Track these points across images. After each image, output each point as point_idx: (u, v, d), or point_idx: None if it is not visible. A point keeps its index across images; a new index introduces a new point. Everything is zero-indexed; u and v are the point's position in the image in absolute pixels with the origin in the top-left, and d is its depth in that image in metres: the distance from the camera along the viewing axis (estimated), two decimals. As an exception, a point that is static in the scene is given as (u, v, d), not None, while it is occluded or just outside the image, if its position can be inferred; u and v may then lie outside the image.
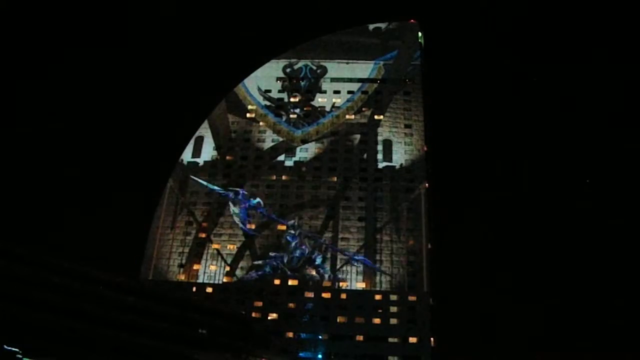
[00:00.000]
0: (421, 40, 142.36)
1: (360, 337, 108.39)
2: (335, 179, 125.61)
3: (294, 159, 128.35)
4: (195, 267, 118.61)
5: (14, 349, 53.15)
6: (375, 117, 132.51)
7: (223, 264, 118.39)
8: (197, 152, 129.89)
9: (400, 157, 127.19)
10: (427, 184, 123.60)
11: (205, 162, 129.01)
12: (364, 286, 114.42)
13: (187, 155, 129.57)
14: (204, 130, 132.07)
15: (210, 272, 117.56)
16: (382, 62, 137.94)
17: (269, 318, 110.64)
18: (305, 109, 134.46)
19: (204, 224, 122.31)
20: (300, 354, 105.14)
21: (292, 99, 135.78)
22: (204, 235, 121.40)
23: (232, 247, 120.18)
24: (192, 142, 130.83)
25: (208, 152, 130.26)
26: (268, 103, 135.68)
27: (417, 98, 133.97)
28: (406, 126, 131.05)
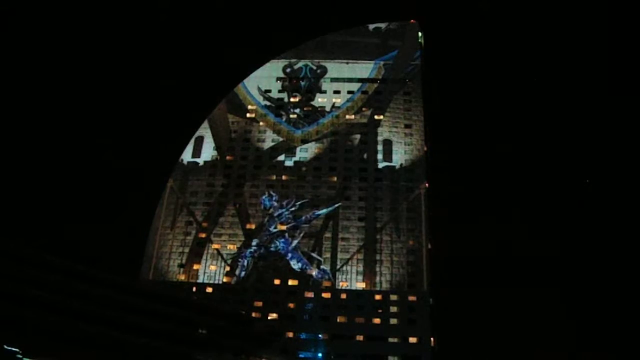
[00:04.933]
0: (421, 40, 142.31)
1: (360, 337, 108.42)
2: (335, 178, 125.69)
3: (294, 159, 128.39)
4: (195, 267, 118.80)
5: (14, 349, 53.15)
6: (375, 117, 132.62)
7: (223, 264, 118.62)
8: (197, 152, 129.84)
9: (400, 157, 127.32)
10: (427, 184, 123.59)
11: (205, 162, 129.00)
12: (364, 286, 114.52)
13: (187, 155, 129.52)
14: (204, 130, 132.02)
15: (210, 272, 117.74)
16: (382, 62, 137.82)
17: (269, 318, 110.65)
18: (305, 109, 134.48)
19: (204, 224, 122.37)
20: (300, 354, 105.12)
21: (292, 99, 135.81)
22: (203, 235, 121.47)
23: (232, 247, 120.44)
24: (192, 142, 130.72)
25: (208, 152, 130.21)
26: (268, 103, 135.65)
27: (417, 98, 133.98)
28: (406, 126, 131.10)
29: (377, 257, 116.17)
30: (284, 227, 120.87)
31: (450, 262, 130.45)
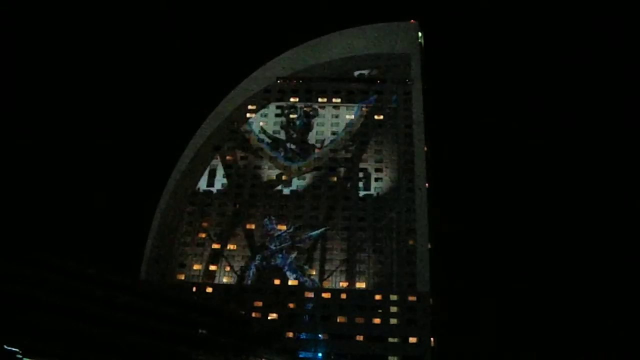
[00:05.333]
0: (421, 41, 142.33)
1: (360, 337, 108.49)
2: (334, 178, 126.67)
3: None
4: (196, 267, 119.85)
5: (14, 349, 53.17)
6: (375, 117, 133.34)
7: (224, 263, 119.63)
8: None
9: (399, 158, 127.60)
10: (427, 184, 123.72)
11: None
12: (363, 286, 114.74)
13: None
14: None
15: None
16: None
17: (269, 318, 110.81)
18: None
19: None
20: (300, 354, 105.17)
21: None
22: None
23: (232, 247, 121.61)
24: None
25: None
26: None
27: (418, 98, 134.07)
28: (406, 126, 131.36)
29: (377, 258, 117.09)
30: (284, 228, 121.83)
31: (450, 262, 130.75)
